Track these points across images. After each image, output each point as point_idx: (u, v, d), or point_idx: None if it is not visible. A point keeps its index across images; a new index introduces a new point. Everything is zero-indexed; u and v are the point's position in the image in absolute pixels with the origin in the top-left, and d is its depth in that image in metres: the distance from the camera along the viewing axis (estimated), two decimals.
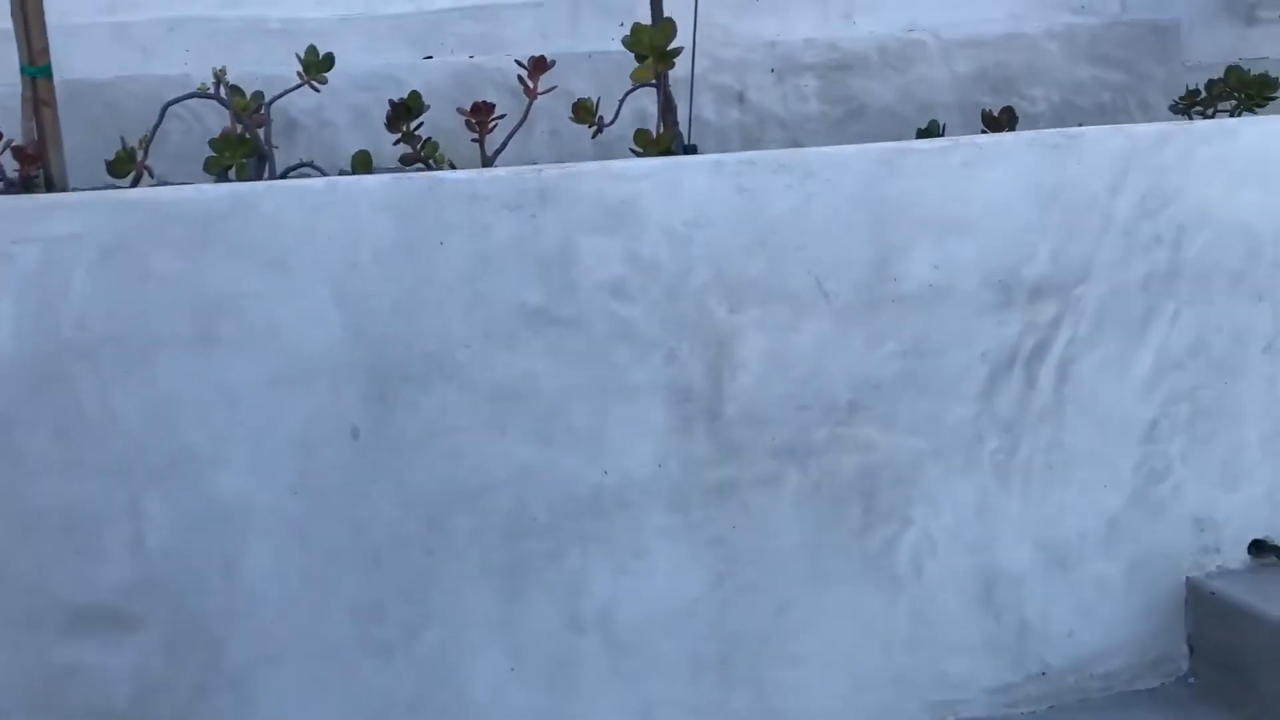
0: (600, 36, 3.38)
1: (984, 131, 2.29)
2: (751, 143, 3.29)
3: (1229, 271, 2.00)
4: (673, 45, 2.04)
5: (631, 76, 2.03)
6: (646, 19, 3.42)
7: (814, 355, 1.86)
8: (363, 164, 1.98)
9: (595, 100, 2.22)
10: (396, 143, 2.18)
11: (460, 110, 2.15)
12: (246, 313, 1.72)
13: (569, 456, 1.81)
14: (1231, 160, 1.98)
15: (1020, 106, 3.28)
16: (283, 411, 1.74)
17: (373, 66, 3.32)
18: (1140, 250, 1.96)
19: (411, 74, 3.31)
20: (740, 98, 3.25)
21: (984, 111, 2.36)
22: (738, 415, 1.85)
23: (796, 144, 3.30)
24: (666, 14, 2.35)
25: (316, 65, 2.10)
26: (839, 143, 3.30)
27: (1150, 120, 3.26)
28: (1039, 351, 1.94)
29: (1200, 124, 1.96)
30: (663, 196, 1.79)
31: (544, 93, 2.21)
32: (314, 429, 1.76)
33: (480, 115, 2.06)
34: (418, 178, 1.74)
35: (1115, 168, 1.92)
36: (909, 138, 3.30)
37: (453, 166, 2.33)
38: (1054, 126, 3.29)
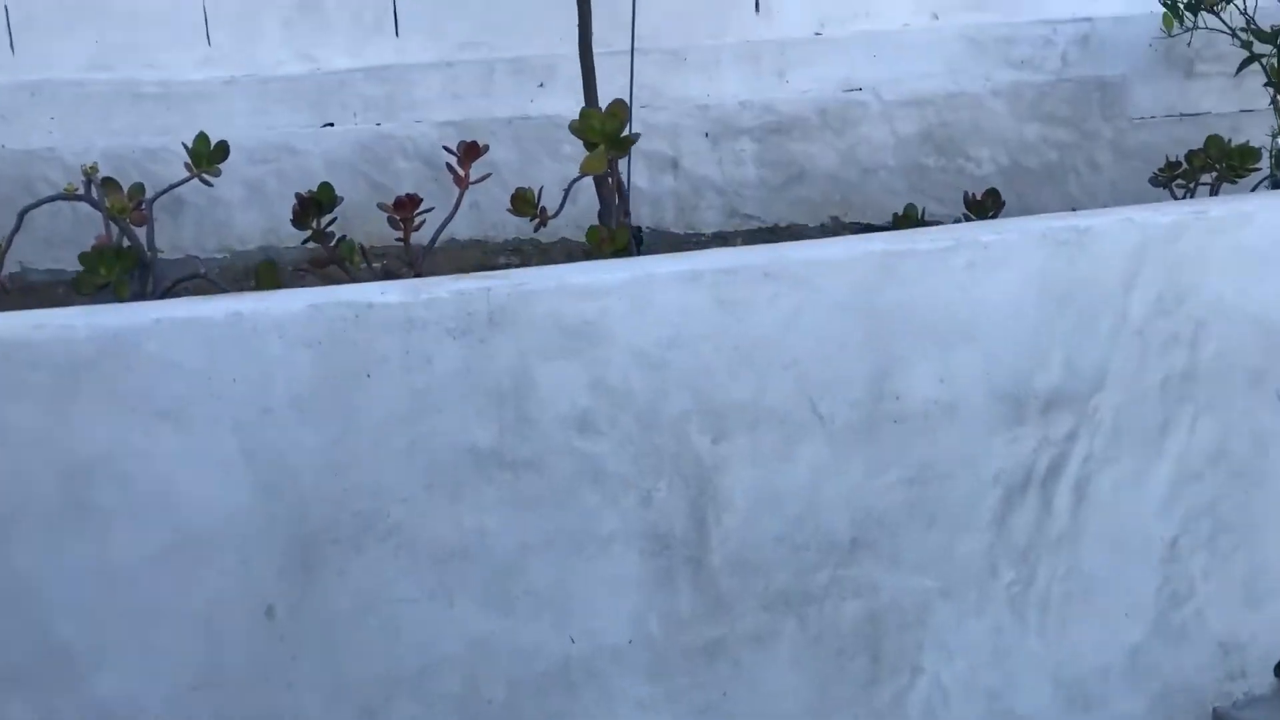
0: (518, 98, 3.12)
1: (966, 215, 2.08)
2: (688, 211, 3.06)
3: (1248, 370, 1.82)
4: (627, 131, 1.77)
5: (582, 168, 1.76)
6: (566, 81, 3.16)
7: (810, 487, 1.61)
8: (268, 277, 1.66)
9: (537, 190, 1.94)
10: (306, 241, 1.87)
11: (382, 206, 1.85)
12: (130, 474, 1.40)
13: (529, 624, 1.52)
14: (1246, 247, 1.80)
15: (966, 168, 3.12)
16: (179, 591, 1.43)
17: (266, 135, 3.00)
18: (1156, 352, 1.76)
19: (311, 143, 3.00)
20: (674, 164, 3.01)
21: (966, 194, 2.16)
22: (725, 562, 1.59)
23: (734, 211, 3.08)
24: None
25: (208, 156, 1.78)
26: (778, 209, 3.11)
27: (1100, 178, 3.15)
28: (1054, 470, 1.72)
29: (1213, 210, 1.78)
30: (632, 313, 1.52)
31: (476, 181, 1.93)
32: (220, 610, 1.44)
33: (404, 212, 1.77)
34: (341, 304, 1.44)
35: (1128, 263, 1.72)
36: (852, 201, 3.11)
37: (366, 258, 2.03)
38: (1002, 188, 3.11)
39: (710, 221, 3.05)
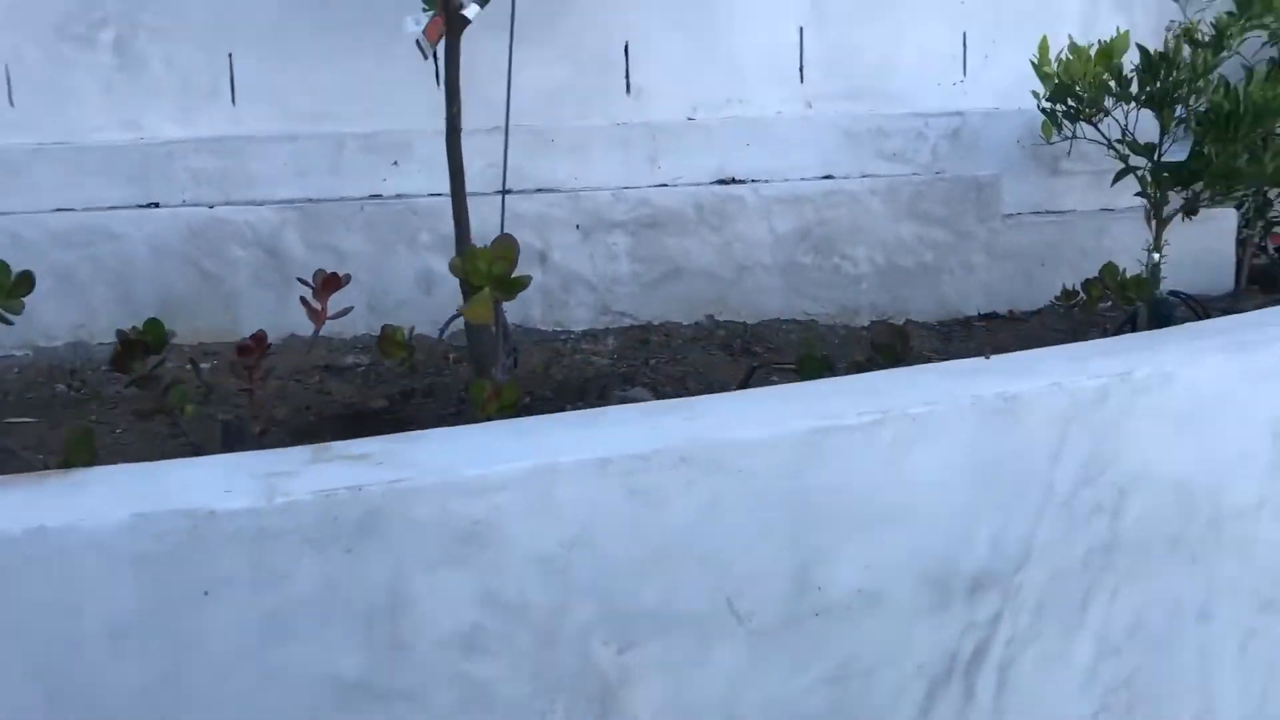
0: (369, 177, 2.86)
1: (870, 358, 1.94)
2: (557, 307, 2.85)
3: (1165, 537, 1.73)
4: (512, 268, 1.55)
5: (464, 314, 1.53)
6: (423, 158, 2.90)
7: (725, 696, 1.42)
8: (82, 450, 1.36)
9: (413, 336, 1.70)
10: (129, 384, 1.58)
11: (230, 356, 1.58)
12: None
13: None
14: (1167, 409, 1.71)
15: (842, 267, 3.03)
16: None
17: (80, 216, 2.66)
18: (1081, 523, 1.65)
19: (132, 226, 2.67)
20: (543, 257, 2.80)
21: (872, 339, 2.02)
22: None
23: (606, 308, 2.89)
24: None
25: (8, 289, 1.46)
26: (652, 306, 2.93)
27: (973, 279, 3.10)
28: (978, 656, 1.59)
29: (1137, 371, 1.68)
30: (531, 511, 1.31)
31: (335, 316, 1.68)
32: None
33: (251, 356, 1.50)
34: (175, 513, 1.17)
35: (1056, 431, 1.61)
36: (728, 300, 2.97)
37: (197, 380, 1.75)
38: (878, 288, 3.05)
39: (580, 319, 2.86)
